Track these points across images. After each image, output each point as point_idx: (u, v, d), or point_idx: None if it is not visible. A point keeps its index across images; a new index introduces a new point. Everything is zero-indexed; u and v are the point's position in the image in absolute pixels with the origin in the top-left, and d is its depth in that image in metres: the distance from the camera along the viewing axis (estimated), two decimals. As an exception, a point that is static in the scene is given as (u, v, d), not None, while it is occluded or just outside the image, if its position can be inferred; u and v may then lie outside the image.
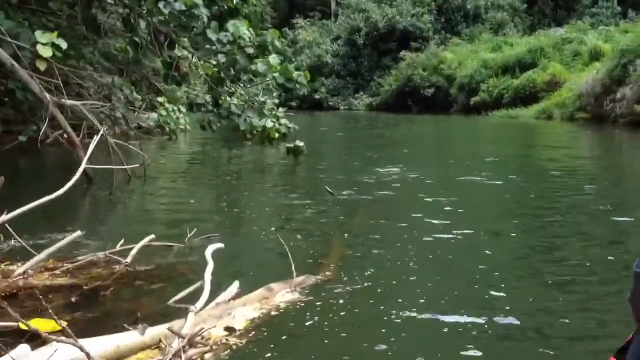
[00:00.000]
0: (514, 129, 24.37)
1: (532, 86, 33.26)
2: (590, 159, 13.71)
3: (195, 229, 5.07)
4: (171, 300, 3.49)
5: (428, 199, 7.18)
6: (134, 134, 15.64)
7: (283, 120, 14.53)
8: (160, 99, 16.67)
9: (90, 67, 14.27)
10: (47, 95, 7.39)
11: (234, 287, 3.59)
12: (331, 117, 37.24)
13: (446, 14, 48.29)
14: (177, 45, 9.60)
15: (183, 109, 17.75)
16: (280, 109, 15.27)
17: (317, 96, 48.29)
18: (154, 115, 16.51)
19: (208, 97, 12.30)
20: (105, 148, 8.80)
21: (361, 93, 47.94)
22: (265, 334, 3.14)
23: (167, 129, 15.65)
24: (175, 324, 2.99)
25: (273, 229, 5.44)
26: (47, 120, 7.61)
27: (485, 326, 3.26)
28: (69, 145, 7.93)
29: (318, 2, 58.39)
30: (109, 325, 3.09)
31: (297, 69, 41.90)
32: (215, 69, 9.76)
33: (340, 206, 6.79)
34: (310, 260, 4.43)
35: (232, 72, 9.63)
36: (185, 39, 9.42)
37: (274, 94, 16.05)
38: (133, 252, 4.32)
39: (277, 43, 9.42)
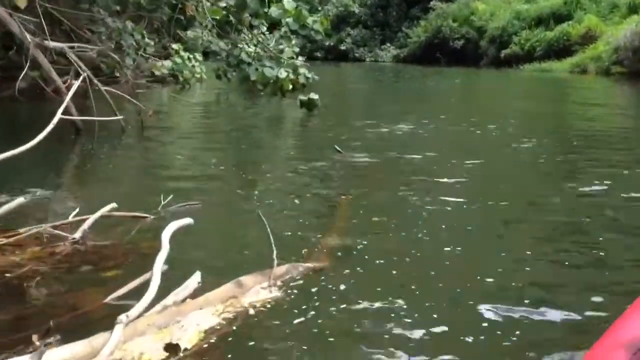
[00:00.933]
0: (547, 84, 23.08)
1: (567, 39, 31.72)
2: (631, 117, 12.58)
3: (172, 195, 4.22)
4: (109, 298, 2.67)
5: (444, 166, 6.20)
6: (145, 81, 14.88)
7: (302, 70, 13.57)
8: (175, 46, 15.75)
9: (104, 12, 13.41)
10: (28, 36, 6.53)
11: (193, 280, 2.74)
12: (356, 69, 36.01)
13: (479, -38, 46.24)
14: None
15: (199, 57, 16.85)
16: (300, 58, 14.29)
17: (342, 47, 46.96)
18: (169, 63, 15.63)
19: (222, 44, 11.35)
20: (103, 97, 8.01)
21: (388, 44, 46.45)
22: (225, 354, 2.30)
23: (181, 77, 14.78)
24: (96, 340, 2.16)
25: (258, 204, 4.45)
26: (27, 64, 6.77)
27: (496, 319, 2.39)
28: (55, 93, 7.11)
29: (347, -51, 56.40)
30: (4, 337, 2.26)
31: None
32: (224, 13, 8.81)
33: (347, 170, 5.89)
34: (301, 242, 3.53)
35: (244, 16, 8.68)
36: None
37: (293, 42, 15.03)
38: (85, 225, 3.49)
39: None
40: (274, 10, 8.76)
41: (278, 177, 5.69)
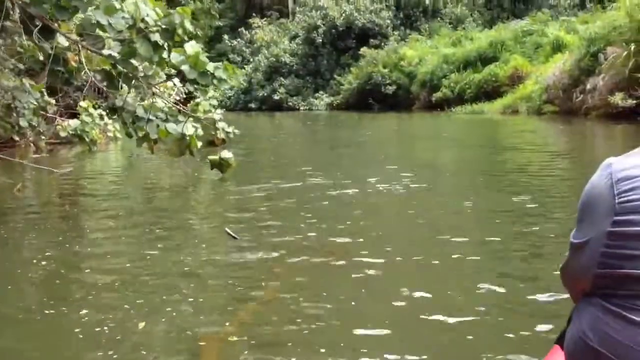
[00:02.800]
0: (479, 126, 22.27)
1: (495, 80, 31.35)
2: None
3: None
4: None
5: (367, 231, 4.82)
6: (44, 145, 13.15)
7: (220, 124, 12.12)
8: (83, 104, 14.09)
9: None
10: None
11: None
12: (288, 118, 34.79)
13: (405, 9, 46.22)
14: (56, 33, 7.10)
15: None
16: (218, 111, 12.82)
17: (276, 97, 45.78)
18: (76, 122, 13.94)
19: (118, 100, 9.77)
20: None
21: (321, 92, 45.50)
22: None
23: (87, 138, 13.09)
24: None
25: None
26: None
27: None
28: None
29: (275, 1, 55.93)
30: None
31: (255, 69, 39.43)
32: (111, 62, 7.27)
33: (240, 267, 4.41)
34: None
35: (133, 66, 7.17)
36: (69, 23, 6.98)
37: (211, 94, 13.57)
38: None
39: (187, 25, 6.95)
40: (174, 56, 7.30)
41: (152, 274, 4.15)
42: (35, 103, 11.56)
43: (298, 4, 50.58)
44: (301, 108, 44.77)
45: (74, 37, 7.04)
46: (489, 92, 30.97)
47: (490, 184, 8.29)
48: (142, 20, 6.78)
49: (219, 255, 4.66)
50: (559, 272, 1.38)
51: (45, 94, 12.39)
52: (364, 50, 41.95)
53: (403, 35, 44.24)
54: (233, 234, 4.80)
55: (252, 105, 47.60)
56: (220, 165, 8.37)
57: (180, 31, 6.93)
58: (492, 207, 6.47)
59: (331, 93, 44.58)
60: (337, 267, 4.29)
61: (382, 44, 42.94)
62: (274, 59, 47.10)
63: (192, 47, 7.33)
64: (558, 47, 29.54)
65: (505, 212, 6.05)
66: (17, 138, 12.72)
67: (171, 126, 7.56)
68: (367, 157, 12.30)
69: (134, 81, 7.44)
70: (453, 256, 4.45)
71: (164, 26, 6.91)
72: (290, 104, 45.28)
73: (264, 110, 45.53)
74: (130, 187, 9.03)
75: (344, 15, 44.67)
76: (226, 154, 8.37)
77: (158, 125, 7.49)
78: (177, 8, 6.99)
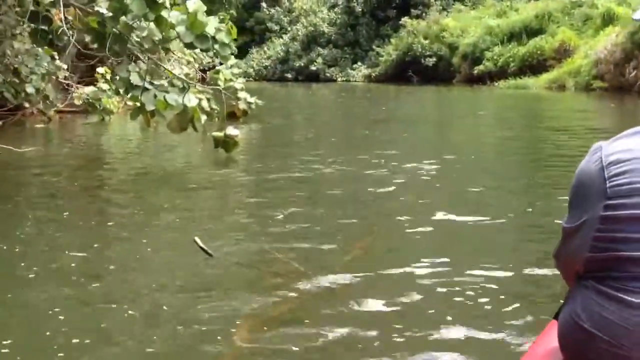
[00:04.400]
0: (524, 102, 20.70)
1: (541, 54, 29.51)
2: None
3: None
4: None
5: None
6: (54, 112, 12.22)
7: (242, 94, 11.03)
8: (101, 70, 13.07)
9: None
10: None
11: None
12: (324, 90, 33.45)
13: (448, -22, 44.19)
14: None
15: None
16: (240, 79, 11.69)
17: (313, 67, 44.47)
18: (91, 89, 12.95)
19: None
20: None
21: (359, 64, 43.98)
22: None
23: (99, 107, 12.09)
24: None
25: None
26: None
27: None
28: None
29: (315, -31, 54.20)
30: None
31: (292, 38, 37.47)
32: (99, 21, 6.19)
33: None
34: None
35: (122, 24, 6.08)
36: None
37: (233, 61, 12.45)
38: None
39: None
40: (174, 15, 6.19)
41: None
42: (45, 69, 10.67)
43: (338, -28, 48.85)
44: (338, 79, 43.42)
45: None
46: (534, 65, 29.20)
47: (543, 177, 7.05)
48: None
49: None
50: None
51: (57, 58, 11.46)
52: (404, 20, 40.21)
53: (446, 5, 42.29)
54: (206, 250, 3.66)
55: (289, 76, 46.41)
56: (225, 144, 7.26)
57: (174, -15, 5.82)
58: (549, 210, 5.26)
59: (369, 64, 43.06)
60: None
61: (424, 14, 41.13)
62: (312, 28, 45.73)
63: (194, 3, 6.21)
64: (609, 19, 27.51)
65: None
66: (27, 105, 11.83)
67: (171, 97, 6.46)
68: (397, 137, 11.07)
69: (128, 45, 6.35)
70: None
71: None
72: (327, 74, 43.98)
73: (301, 80, 44.31)
74: (116, 171, 7.86)
75: (385, -17, 42.94)
76: (231, 130, 7.24)
77: (155, 96, 6.40)
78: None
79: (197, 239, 3.69)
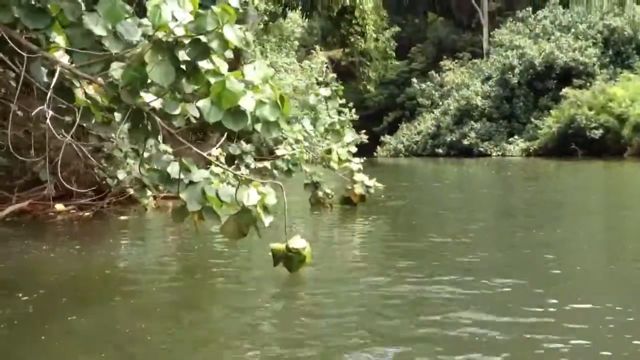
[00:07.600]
0: None
1: None
2: None
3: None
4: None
5: None
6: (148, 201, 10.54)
7: (359, 176, 8.98)
8: (215, 151, 11.59)
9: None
10: None
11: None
12: (474, 166, 30.55)
13: (615, 46, 40.14)
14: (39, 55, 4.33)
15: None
16: (356, 160, 9.61)
17: (465, 142, 41.81)
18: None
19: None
20: None
21: (516, 137, 40.70)
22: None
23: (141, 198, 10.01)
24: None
25: None
26: None
27: None
28: None
29: (468, 42, 52.19)
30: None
31: (443, 113, 34.18)
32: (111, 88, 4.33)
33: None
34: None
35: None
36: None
37: (348, 134, 10.46)
38: None
39: (229, 34, 3.76)
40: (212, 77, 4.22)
41: None
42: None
43: (492, 45, 46.40)
44: (493, 154, 40.36)
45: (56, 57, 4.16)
46: None
47: None
48: (162, 26, 3.80)
49: None
50: None
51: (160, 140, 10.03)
52: (566, 91, 36.75)
53: (612, 74, 38.28)
54: None
55: (440, 151, 44.10)
56: (288, 260, 4.97)
57: (214, 44, 3.86)
58: None
59: (527, 138, 39.67)
60: None
61: (588, 83, 37.41)
62: (465, 102, 43.36)
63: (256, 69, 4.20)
64: None
65: None
66: (131, 191, 10.45)
67: (224, 191, 4.46)
68: (558, 235, 8.24)
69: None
70: None
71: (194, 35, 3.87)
72: (481, 149, 41.12)
73: (453, 155, 41.75)
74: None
75: (543, 54, 39.81)
76: (298, 242, 4.95)
77: (204, 191, 4.42)
78: (217, 5, 3.88)
79: None
